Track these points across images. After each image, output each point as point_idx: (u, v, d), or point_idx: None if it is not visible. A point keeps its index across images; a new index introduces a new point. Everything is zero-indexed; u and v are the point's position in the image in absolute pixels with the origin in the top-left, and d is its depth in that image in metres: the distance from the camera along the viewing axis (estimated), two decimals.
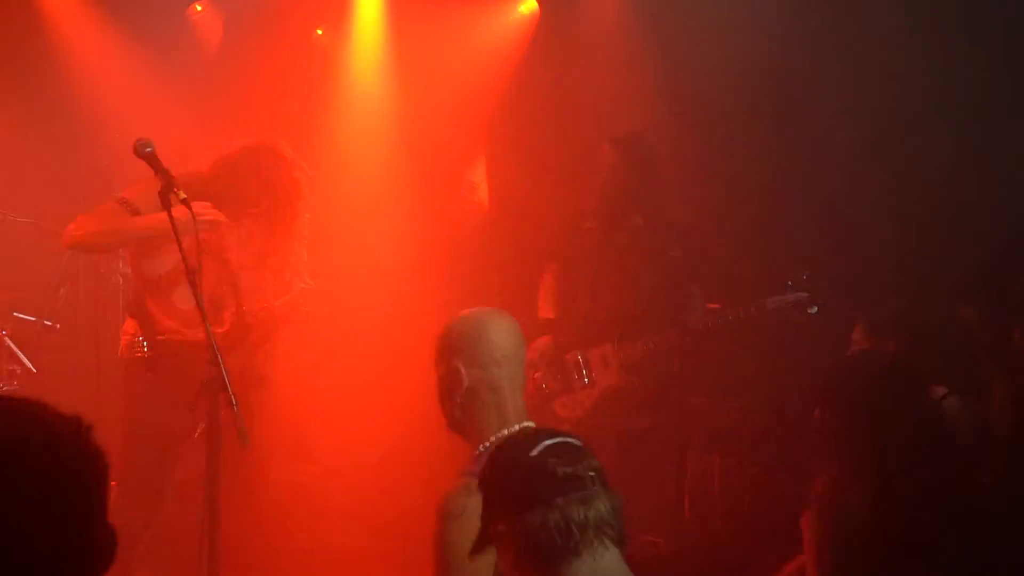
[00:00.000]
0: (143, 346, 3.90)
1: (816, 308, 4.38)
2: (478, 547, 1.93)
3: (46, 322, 5.20)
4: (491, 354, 2.46)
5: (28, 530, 1.41)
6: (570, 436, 1.87)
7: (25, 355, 4.85)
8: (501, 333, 2.50)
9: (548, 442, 1.82)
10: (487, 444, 2.43)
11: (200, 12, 6.25)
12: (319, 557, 5.35)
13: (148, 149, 3.18)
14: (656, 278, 4.78)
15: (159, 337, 3.88)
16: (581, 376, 4.74)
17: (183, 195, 3.14)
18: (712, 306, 4.74)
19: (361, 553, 5.32)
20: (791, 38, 5.24)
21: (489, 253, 6.78)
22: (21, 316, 5.07)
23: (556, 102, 6.16)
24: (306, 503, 5.64)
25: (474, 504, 2.30)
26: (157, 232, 3.52)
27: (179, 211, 3.16)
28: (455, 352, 2.49)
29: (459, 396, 2.48)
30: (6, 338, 4.83)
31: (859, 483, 2.79)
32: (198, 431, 3.37)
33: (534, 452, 1.81)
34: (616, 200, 4.79)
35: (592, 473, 1.80)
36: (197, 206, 3.30)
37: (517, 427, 2.43)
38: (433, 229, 6.25)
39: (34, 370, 4.85)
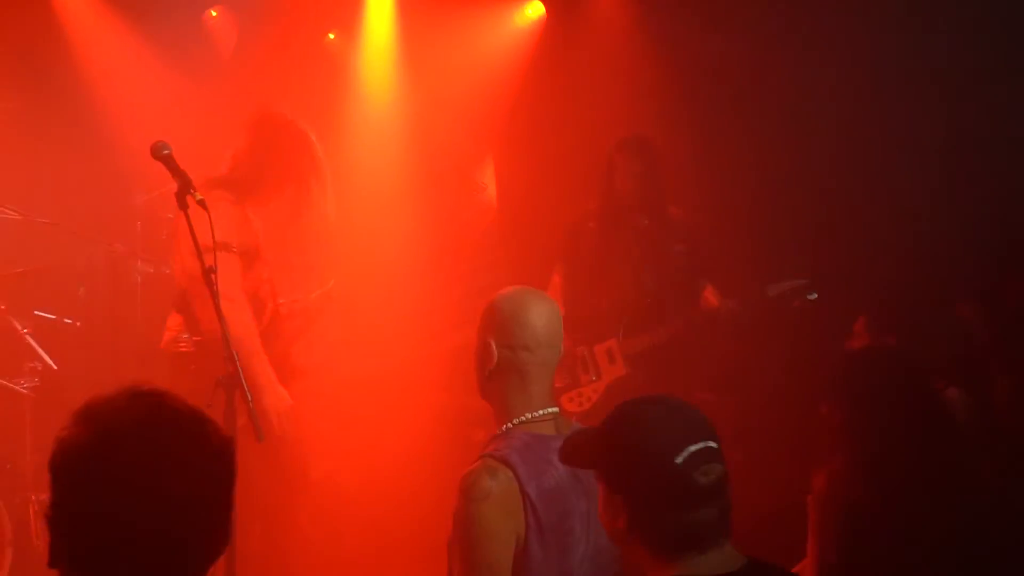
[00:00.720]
0: (187, 341, 3.92)
1: (815, 294, 4.38)
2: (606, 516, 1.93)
3: (66, 320, 5.21)
4: (523, 338, 2.43)
5: (193, 507, 1.49)
6: (710, 440, 1.86)
7: (46, 352, 4.86)
8: (539, 319, 2.45)
9: (692, 448, 1.82)
10: (510, 424, 2.43)
11: (216, 17, 6.26)
12: (330, 549, 5.36)
13: (165, 151, 3.19)
14: (660, 274, 4.80)
15: (196, 338, 3.89)
16: (587, 370, 4.76)
17: (199, 196, 3.17)
18: (712, 302, 4.75)
19: (373, 546, 5.34)
20: (787, 41, 5.24)
21: (498, 251, 6.80)
22: (42, 315, 5.08)
23: (562, 104, 6.16)
24: (316, 496, 5.66)
25: (498, 486, 2.31)
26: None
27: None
28: (490, 328, 2.47)
29: (487, 371, 2.47)
30: (28, 336, 4.84)
31: (864, 476, 2.79)
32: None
33: (679, 459, 1.80)
34: (623, 202, 4.81)
35: (723, 479, 1.85)
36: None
37: (540, 412, 2.43)
38: (443, 228, 6.26)
39: (55, 367, 4.86)
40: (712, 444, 1.84)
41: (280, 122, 4.05)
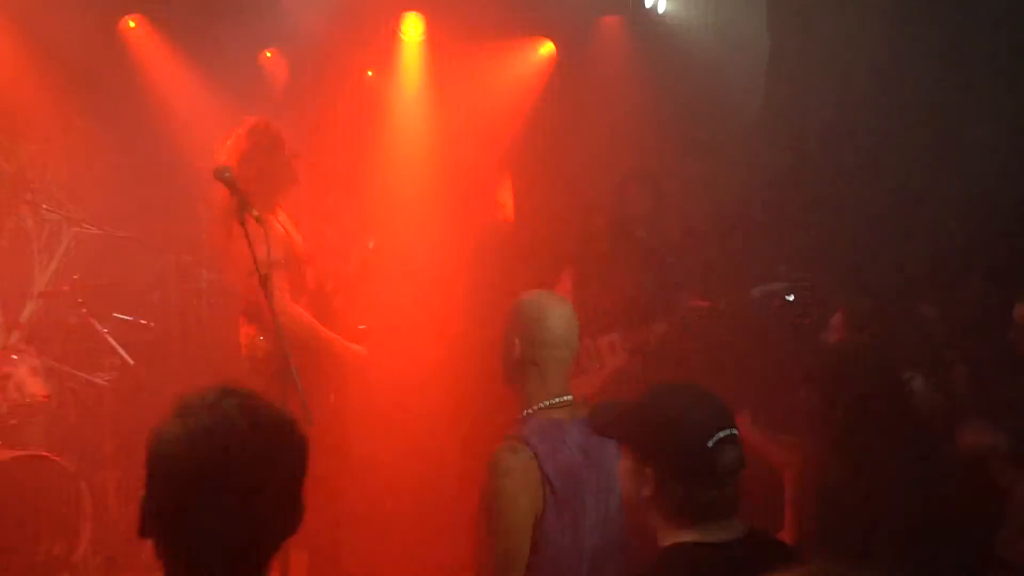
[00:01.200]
0: (262, 346, 3.81)
1: (792, 296, 4.38)
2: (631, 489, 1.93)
3: (141, 321, 5.24)
4: (543, 337, 2.47)
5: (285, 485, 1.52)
6: (732, 427, 1.86)
7: (123, 349, 4.88)
8: (558, 321, 2.49)
9: (721, 435, 1.83)
10: (530, 410, 2.46)
11: (270, 57, 6.30)
12: (371, 519, 5.37)
13: (227, 174, 3.19)
14: (657, 279, 4.87)
15: (267, 343, 3.79)
16: (592, 360, 4.80)
17: (256, 213, 3.16)
18: (702, 303, 4.77)
19: (409, 516, 5.35)
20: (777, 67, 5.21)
21: (515, 259, 6.79)
22: (120, 316, 5.12)
23: (570, 130, 6.19)
24: (359, 472, 5.67)
25: (519, 463, 2.34)
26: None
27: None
28: (516, 327, 2.51)
29: (511, 363, 2.50)
30: (107, 335, 4.87)
31: (837, 457, 2.77)
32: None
33: (710, 443, 1.81)
34: (630, 221, 4.95)
35: (741, 463, 1.86)
36: None
37: (556, 400, 2.46)
38: (468, 239, 6.26)
39: (131, 362, 4.89)
40: (734, 431, 1.86)
41: (262, 125, 3.93)
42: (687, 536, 1.83)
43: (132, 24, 5.79)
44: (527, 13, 5.98)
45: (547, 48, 6.41)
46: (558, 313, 2.50)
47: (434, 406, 5.74)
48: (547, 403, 2.46)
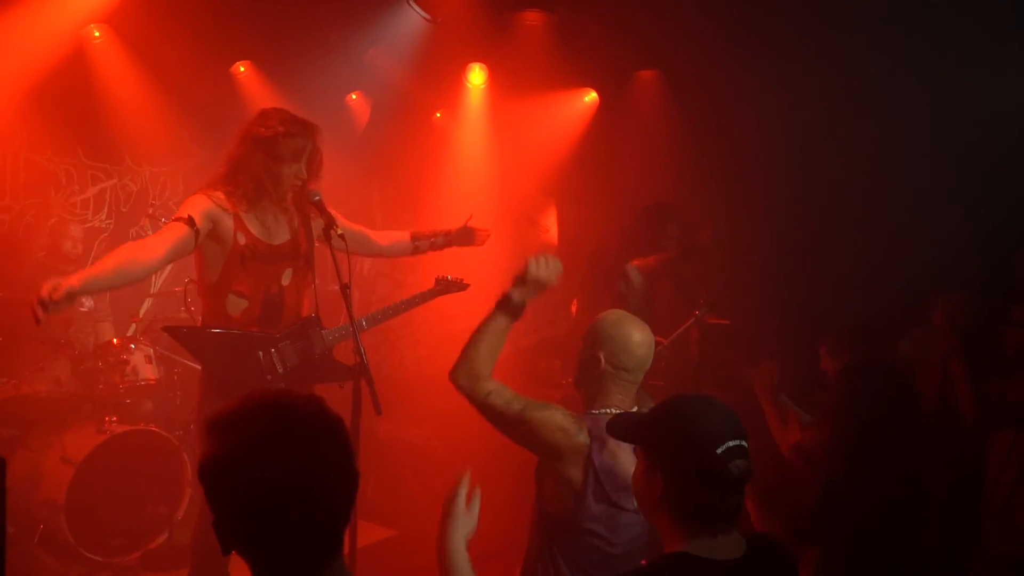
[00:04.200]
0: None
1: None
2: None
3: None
4: (625, 361, 2.38)
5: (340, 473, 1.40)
6: (743, 439, 1.71)
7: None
8: (639, 348, 2.39)
9: (731, 444, 1.69)
10: (598, 411, 2.38)
11: (355, 99, 6.37)
12: (426, 498, 5.35)
13: (316, 198, 3.17)
14: (677, 301, 4.78)
15: None
16: None
17: (340, 230, 3.09)
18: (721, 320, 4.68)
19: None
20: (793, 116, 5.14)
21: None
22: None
23: (609, 165, 6.17)
24: (416, 457, 5.67)
25: (575, 431, 2.28)
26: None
27: None
28: (601, 344, 2.40)
29: (590, 375, 2.40)
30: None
31: (845, 449, 2.70)
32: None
33: (720, 450, 1.68)
34: (664, 255, 4.76)
35: (747, 475, 1.71)
36: None
37: (614, 411, 2.36)
38: (516, 259, 6.27)
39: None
40: (744, 443, 1.71)
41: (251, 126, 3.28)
42: (688, 546, 1.69)
43: (242, 69, 5.91)
44: (575, 66, 5.99)
45: (591, 96, 6.42)
46: (639, 340, 2.39)
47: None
48: (612, 410, 2.36)
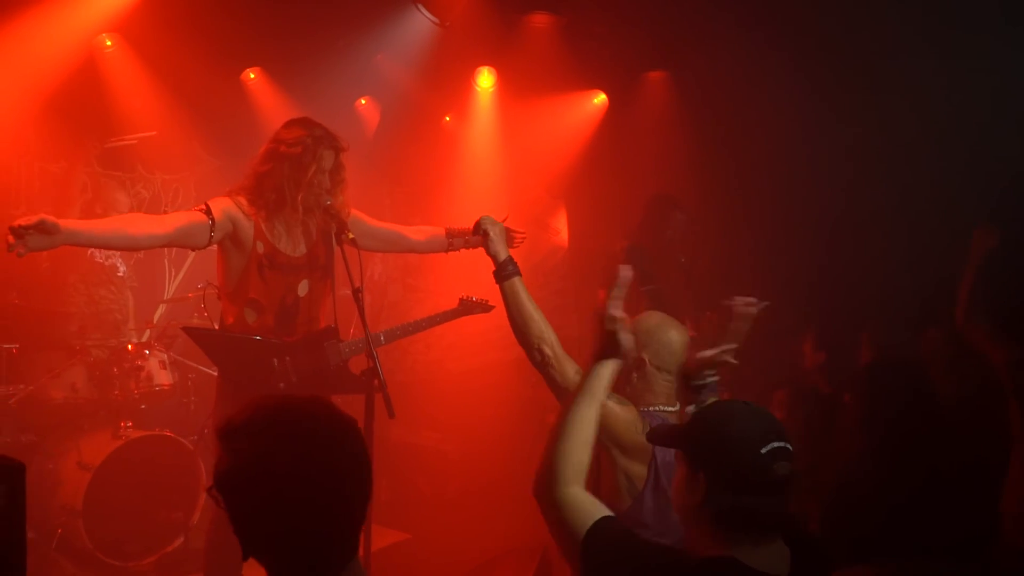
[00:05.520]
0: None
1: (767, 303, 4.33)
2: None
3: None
4: (669, 363, 2.47)
5: (356, 478, 1.40)
6: (787, 442, 1.65)
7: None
8: (682, 349, 2.49)
9: (775, 444, 1.63)
10: (648, 409, 2.45)
11: (364, 104, 6.39)
12: (438, 501, 5.37)
13: (327, 202, 3.19)
14: (685, 290, 4.87)
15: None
16: None
17: (351, 235, 3.13)
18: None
19: (471, 498, 5.33)
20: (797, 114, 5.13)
21: (568, 278, 6.78)
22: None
23: (617, 167, 6.16)
24: (428, 461, 5.67)
25: (639, 422, 2.34)
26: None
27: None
28: (645, 345, 2.47)
29: (634, 374, 2.47)
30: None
31: (869, 458, 2.69)
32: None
33: (764, 450, 1.62)
34: (670, 243, 4.90)
35: (792, 478, 1.64)
36: None
37: (669, 408, 2.44)
38: (527, 260, 6.28)
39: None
40: (788, 446, 1.65)
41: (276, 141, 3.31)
42: (730, 551, 1.61)
43: (252, 76, 5.93)
44: (583, 68, 5.99)
45: (600, 98, 6.42)
46: (681, 341, 2.51)
47: (495, 406, 5.72)
48: (662, 408, 2.44)
